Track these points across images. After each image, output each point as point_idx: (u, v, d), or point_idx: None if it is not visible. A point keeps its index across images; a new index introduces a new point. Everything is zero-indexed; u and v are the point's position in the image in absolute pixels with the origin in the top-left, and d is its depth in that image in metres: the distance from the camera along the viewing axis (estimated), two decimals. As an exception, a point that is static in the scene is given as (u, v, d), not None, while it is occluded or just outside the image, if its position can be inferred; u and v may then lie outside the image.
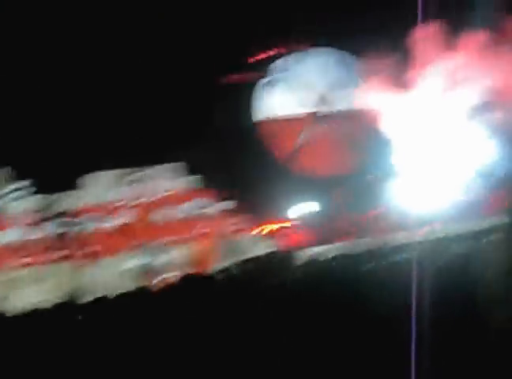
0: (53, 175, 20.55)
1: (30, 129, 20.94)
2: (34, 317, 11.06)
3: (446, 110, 19.69)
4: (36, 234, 21.14)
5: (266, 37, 25.24)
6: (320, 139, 27.02)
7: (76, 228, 21.53)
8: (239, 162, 24.05)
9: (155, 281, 20.53)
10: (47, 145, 21.22)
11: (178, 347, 5.80)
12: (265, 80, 26.37)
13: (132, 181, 23.06)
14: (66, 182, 21.45)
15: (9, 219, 21.44)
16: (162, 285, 17.45)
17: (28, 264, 20.59)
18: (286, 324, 4.95)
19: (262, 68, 26.18)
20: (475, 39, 19.14)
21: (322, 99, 27.40)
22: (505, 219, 19.54)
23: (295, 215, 24.37)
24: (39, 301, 18.26)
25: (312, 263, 10.40)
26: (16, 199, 21.18)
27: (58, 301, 13.32)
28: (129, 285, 16.19)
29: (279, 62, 26.64)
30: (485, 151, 19.21)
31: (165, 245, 22.01)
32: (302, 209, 24.56)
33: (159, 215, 22.66)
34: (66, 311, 10.04)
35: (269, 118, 26.23)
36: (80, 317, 7.66)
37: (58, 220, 21.40)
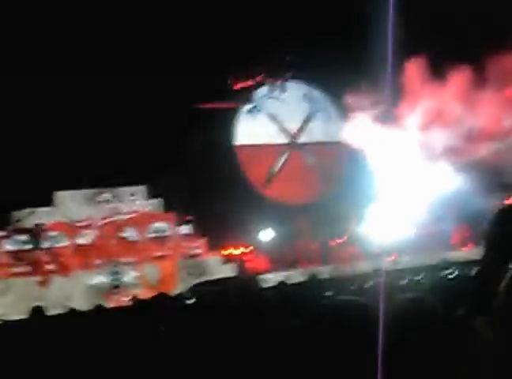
0: (24, 192, 20.53)
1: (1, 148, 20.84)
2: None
3: (418, 146, 19.97)
4: (2, 248, 21.09)
5: (246, 67, 25.52)
6: (292, 168, 27.33)
7: (43, 244, 21.51)
8: (207, 186, 24.18)
9: (117, 298, 20.53)
10: (18, 163, 21.18)
11: (135, 366, 5.85)
12: (243, 109, 26.70)
13: (100, 202, 23.12)
14: (36, 199, 21.46)
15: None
16: (124, 303, 17.46)
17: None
18: (246, 347, 5.03)
19: (239, 97, 26.45)
20: (456, 77, 19.43)
21: (298, 130, 27.77)
22: (466, 255, 19.83)
23: (257, 240, 24.54)
24: (0, 314, 18.18)
25: (272, 288, 10.48)
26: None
27: (21, 315, 13.28)
28: (91, 301, 16.18)
29: (258, 92, 26.99)
30: (452, 187, 19.52)
31: (129, 264, 22.03)
32: (265, 235, 24.74)
33: (124, 235, 22.71)
34: (29, 325, 10.04)
35: (245, 144, 26.51)
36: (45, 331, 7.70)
37: (25, 236, 21.37)
